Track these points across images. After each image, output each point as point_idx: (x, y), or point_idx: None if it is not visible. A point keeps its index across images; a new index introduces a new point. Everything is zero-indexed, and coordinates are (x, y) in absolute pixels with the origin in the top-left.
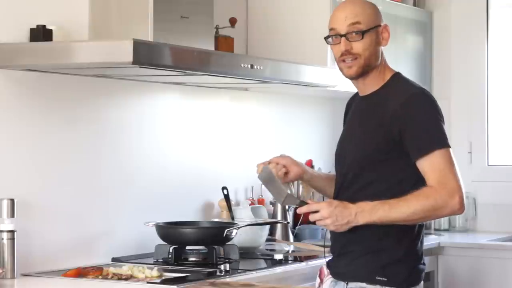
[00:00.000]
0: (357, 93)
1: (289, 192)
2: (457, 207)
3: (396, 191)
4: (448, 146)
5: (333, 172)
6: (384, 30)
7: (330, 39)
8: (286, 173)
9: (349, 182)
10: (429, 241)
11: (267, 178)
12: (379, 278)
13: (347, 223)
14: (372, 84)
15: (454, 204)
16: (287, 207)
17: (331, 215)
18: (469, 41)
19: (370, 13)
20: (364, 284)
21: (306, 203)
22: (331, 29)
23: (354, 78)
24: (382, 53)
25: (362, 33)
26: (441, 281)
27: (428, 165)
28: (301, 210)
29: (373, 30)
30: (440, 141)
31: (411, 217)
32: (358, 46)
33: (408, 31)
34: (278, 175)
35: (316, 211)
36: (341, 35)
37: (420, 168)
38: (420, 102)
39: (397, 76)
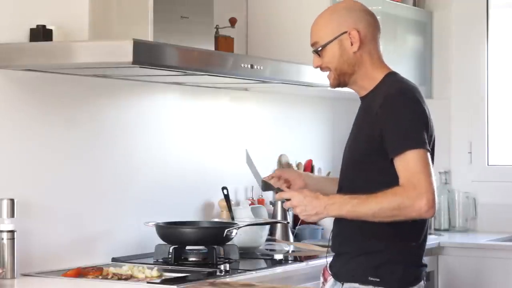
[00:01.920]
0: None
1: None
2: (424, 209)
3: None
4: (423, 147)
5: (333, 173)
6: (351, 35)
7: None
8: (288, 187)
9: (345, 184)
10: (429, 241)
11: (250, 164)
12: (371, 278)
13: (316, 214)
14: (364, 86)
15: (421, 205)
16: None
17: (300, 204)
18: (469, 41)
19: (326, 27)
20: (357, 285)
21: (282, 190)
22: None
23: (337, 87)
24: (369, 54)
25: (321, 49)
26: (441, 281)
27: (401, 165)
28: (276, 197)
29: (333, 42)
30: (414, 142)
31: (378, 214)
32: (324, 60)
33: (408, 31)
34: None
35: (289, 199)
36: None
37: (395, 167)
38: (395, 102)
39: (389, 76)
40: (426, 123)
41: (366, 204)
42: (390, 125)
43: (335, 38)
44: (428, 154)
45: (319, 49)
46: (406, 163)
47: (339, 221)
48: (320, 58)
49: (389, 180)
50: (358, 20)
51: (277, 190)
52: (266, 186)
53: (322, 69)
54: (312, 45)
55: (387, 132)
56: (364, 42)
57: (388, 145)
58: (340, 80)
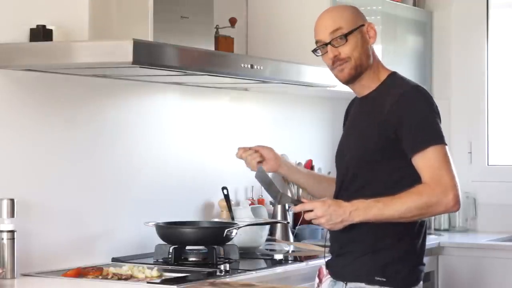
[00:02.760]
0: (356, 97)
1: (284, 191)
2: (451, 204)
3: (394, 192)
4: (443, 142)
5: (333, 173)
6: (369, 28)
7: (318, 51)
8: (259, 162)
9: (348, 183)
10: (429, 241)
11: (262, 178)
12: (378, 278)
13: (341, 222)
14: (368, 85)
15: (448, 201)
16: (287, 206)
17: (325, 214)
18: (469, 41)
19: (348, 15)
20: (363, 284)
21: (301, 202)
22: (316, 42)
23: (349, 81)
24: (374, 53)
25: (346, 36)
26: (441, 281)
27: (422, 162)
28: (296, 209)
29: (357, 30)
30: (434, 138)
31: (405, 215)
32: (345, 49)
33: (408, 31)
34: (251, 163)
35: (311, 210)
36: (327, 44)
37: (415, 165)
38: (413, 99)
39: (393, 75)
40: (440, 119)
41: (392, 206)
42: (408, 122)
43: (359, 27)
44: (447, 148)
45: (346, 34)
46: (428, 159)
47: None
48: (337, 48)
49: (400, 178)
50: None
51: (296, 202)
52: (283, 198)
53: (339, 59)
54: (333, 31)
55: (405, 130)
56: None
57: (407, 143)
58: (356, 71)
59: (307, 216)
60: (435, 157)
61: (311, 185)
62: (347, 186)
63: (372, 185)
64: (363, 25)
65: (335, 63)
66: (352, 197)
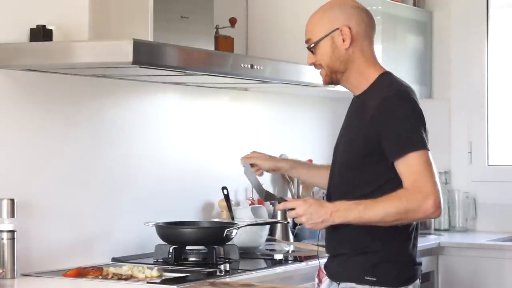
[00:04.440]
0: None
1: (285, 190)
2: (430, 210)
3: (382, 194)
4: (424, 148)
5: None
6: (343, 32)
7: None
8: (258, 169)
9: (337, 185)
10: (429, 241)
11: (248, 174)
12: (368, 278)
13: (322, 222)
14: (359, 85)
15: (427, 207)
16: None
17: (305, 212)
18: (469, 41)
19: (319, 24)
20: (353, 284)
21: (285, 200)
22: None
23: (329, 84)
24: (359, 53)
25: (314, 46)
26: (441, 281)
27: (403, 167)
28: (279, 207)
29: (326, 38)
30: (415, 143)
31: (385, 219)
32: (317, 57)
33: (408, 31)
34: (241, 161)
35: (293, 209)
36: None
37: (397, 170)
38: (395, 103)
39: (383, 76)
40: (424, 123)
41: (372, 210)
42: (388, 128)
43: (327, 35)
44: (430, 153)
45: (312, 46)
46: (409, 165)
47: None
48: (314, 55)
49: (385, 181)
50: (351, 17)
51: (280, 199)
52: (267, 196)
53: (315, 66)
54: (306, 42)
55: (385, 135)
56: (356, 39)
57: (388, 148)
58: (332, 78)
59: (289, 214)
60: (416, 163)
61: (313, 175)
62: (335, 189)
63: (359, 189)
64: (336, 29)
65: (315, 68)
66: (343, 196)
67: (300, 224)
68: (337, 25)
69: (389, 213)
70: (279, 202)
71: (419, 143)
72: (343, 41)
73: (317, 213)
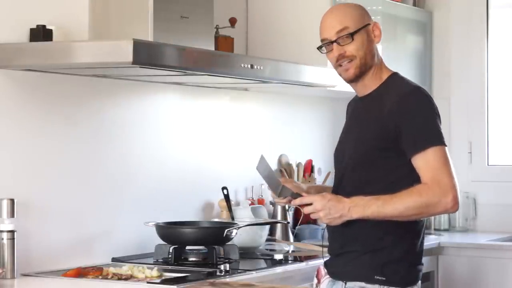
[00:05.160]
0: (356, 96)
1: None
2: (450, 205)
3: (391, 191)
4: (443, 144)
5: (333, 172)
6: (374, 27)
7: (323, 48)
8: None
9: (346, 181)
10: (429, 241)
11: (263, 168)
12: (377, 277)
13: (340, 217)
14: (370, 85)
15: (447, 202)
16: (287, 206)
17: (324, 208)
18: (469, 41)
19: (355, 14)
20: (363, 284)
21: (301, 195)
22: (322, 40)
23: (353, 80)
24: (377, 52)
25: (352, 35)
26: (441, 281)
27: (422, 162)
28: (295, 202)
29: (363, 29)
30: (434, 139)
31: (404, 213)
32: (351, 48)
33: (408, 31)
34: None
35: (310, 204)
36: (332, 42)
37: (415, 165)
38: (415, 99)
39: (394, 75)
40: (440, 120)
41: (392, 204)
42: (408, 123)
43: (365, 26)
44: (447, 149)
45: (353, 32)
46: (428, 160)
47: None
48: (343, 46)
49: (398, 177)
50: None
51: (296, 195)
52: (283, 191)
53: (344, 57)
54: (340, 31)
55: (405, 130)
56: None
57: (407, 143)
58: (361, 70)
59: (306, 210)
60: (435, 158)
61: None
62: (345, 185)
63: (370, 184)
64: (369, 24)
65: (339, 61)
66: (350, 196)
67: (305, 223)
68: (369, 20)
69: (409, 207)
70: (294, 198)
71: (438, 138)
72: (374, 36)
73: (335, 208)
